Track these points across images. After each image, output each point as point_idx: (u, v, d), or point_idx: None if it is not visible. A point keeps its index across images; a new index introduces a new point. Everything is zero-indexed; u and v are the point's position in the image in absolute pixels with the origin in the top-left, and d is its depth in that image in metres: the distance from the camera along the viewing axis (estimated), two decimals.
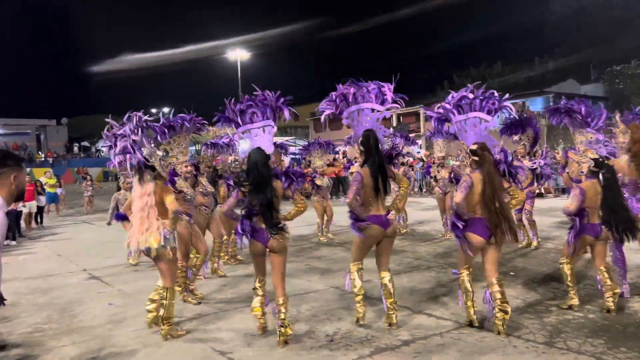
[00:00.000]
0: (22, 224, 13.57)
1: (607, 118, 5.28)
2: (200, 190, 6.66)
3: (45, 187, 16.01)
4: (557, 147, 23.37)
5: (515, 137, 8.29)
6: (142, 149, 4.77)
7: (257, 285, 4.63)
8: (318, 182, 9.82)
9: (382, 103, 4.80)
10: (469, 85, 4.93)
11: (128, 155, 4.71)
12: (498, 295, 4.42)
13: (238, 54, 36.95)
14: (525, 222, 8.35)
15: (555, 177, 19.32)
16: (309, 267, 7.53)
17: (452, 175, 9.01)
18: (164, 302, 4.70)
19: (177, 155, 5.99)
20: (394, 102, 4.80)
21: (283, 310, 4.37)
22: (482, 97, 4.76)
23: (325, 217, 9.98)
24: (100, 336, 4.85)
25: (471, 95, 4.76)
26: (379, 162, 4.68)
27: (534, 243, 8.26)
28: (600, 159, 4.97)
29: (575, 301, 5.02)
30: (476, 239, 4.50)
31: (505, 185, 4.62)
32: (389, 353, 4.12)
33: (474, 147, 4.61)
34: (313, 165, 10.16)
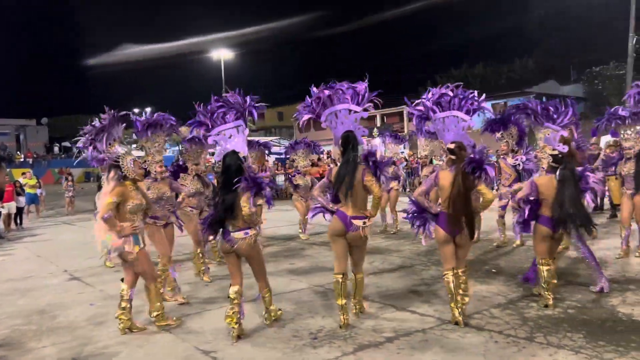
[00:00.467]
0: (1, 225, 13.35)
1: (572, 115, 5.31)
2: (187, 190, 6.61)
3: (25, 187, 15.74)
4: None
5: (498, 135, 8.34)
6: (110, 147, 4.77)
7: (231, 294, 4.51)
8: (299, 181, 9.82)
9: (359, 103, 4.83)
10: (449, 84, 5.02)
11: (91, 151, 4.76)
12: (462, 284, 4.76)
13: (222, 53, 36.78)
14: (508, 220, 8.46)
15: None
16: (292, 266, 7.53)
17: None
18: (150, 296, 4.82)
19: (153, 154, 5.92)
20: (371, 101, 4.83)
21: (267, 296, 4.77)
22: (461, 97, 4.88)
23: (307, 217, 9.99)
24: (81, 337, 4.79)
25: (451, 93, 4.87)
26: (352, 161, 4.67)
27: (517, 241, 8.33)
28: (560, 155, 5.05)
29: (550, 301, 5.01)
30: (440, 232, 4.70)
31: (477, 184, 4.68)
32: (372, 350, 4.14)
33: (452, 145, 4.73)
34: (296, 164, 10.15)
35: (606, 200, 11.96)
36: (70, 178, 19.52)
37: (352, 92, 4.81)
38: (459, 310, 4.62)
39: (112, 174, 4.70)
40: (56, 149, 52.96)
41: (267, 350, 4.24)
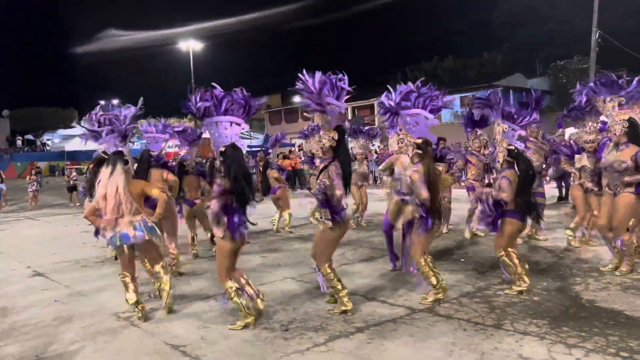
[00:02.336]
0: None
1: (533, 121, 5.48)
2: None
3: None
4: None
5: (479, 132, 8.35)
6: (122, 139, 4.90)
7: (231, 286, 4.53)
8: (274, 174, 9.76)
9: (337, 98, 4.66)
10: (418, 82, 5.17)
11: (115, 140, 4.96)
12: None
13: (190, 44, 36.17)
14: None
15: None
16: (264, 259, 7.50)
17: None
18: (162, 280, 4.98)
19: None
20: (348, 92, 4.69)
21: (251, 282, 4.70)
22: (427, 96, 5.08)
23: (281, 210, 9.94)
24: (46, 334, 4.66)
25: (416, 92, 5.05)
26: (348, 159, 4.73)
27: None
28: (515, 150, 5.15)
29: (524, 286, 5.14)
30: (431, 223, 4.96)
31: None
32: (343, 340, 4.16)
33: (419, 141, 4.99)
34: (272, 159, 10.12)
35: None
36: (33, 172, 18.96)
37: (238, 105, 4.54)
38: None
39: (119, 166, 4.79)
40: (19, 142, 51.38)
41: (238, 342, 4.21)
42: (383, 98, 5.30)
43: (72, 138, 40.09)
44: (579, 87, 6.71)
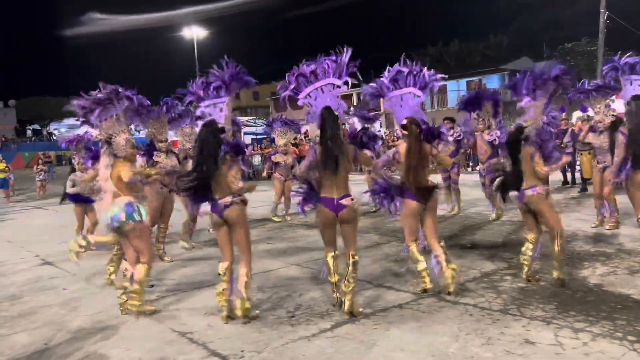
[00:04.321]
0: None
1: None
2: (160, 168, 6.52)
3: None
4: (510, 123, 23.95)
5: (474, 115, 8.35)
6: (105, 122, 4.73)
7: (220, 271, 4.41)
8: (279, 158, 9.70)
9: (339, 77, 4.59)
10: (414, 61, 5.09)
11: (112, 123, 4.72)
12: (442, 257, 4.74)
13: (194, 31, 35.99)
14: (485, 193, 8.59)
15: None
16: (270, 246, 7.51)
17: None
18: (140, 278, 4.63)
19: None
20: (351, 75, 4.57)
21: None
22: (415, 73, 4.97)
23: (283, 198, 9.86)
24: (54, 322, 4.70)
25: (405, 70, 4.94)
26: (333, 139, 4.39)
27: (493, 215, 8.46)
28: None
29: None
30: (411, 204, 4.82)
31: (435, 152, 4.92)
32: (349, 326, 4.16)
33: (404, 122, 4.86)
34: (276, 144, 10.02)
35: (577, 175, 12.21)
36: (40, 161, 19.05)
37: (335, 66, 4.53)
38: (450, 279, 4.70)
39: (104, 149, 4.69)
40: (29, 132, 51.59)
41: (244, 329, 4.22)
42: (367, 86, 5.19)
43: (79, 127, 40.14)
44: (608, 66, 6.52)
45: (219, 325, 4.34)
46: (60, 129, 53.94)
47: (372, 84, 5.16)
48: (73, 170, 8.25)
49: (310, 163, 4.51)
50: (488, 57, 41.84)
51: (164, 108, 6.66)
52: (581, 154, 11.63)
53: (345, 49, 4.51)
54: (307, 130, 23.27)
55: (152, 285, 5.67)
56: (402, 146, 4.88)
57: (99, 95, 4.71)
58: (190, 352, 3.85)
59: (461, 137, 8.46)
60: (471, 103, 8.30)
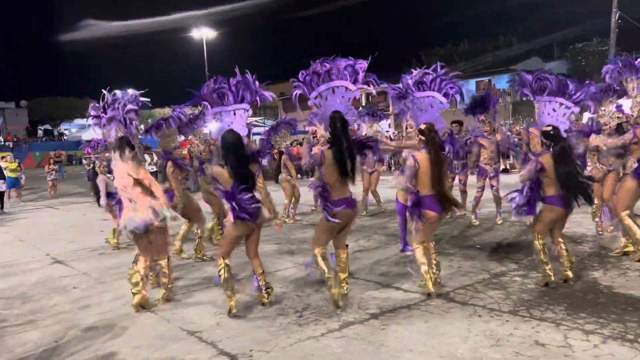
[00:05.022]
0: None
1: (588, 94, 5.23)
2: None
3: (5, 171, 15.45)
4: (522, 123, 23.80)
5: (481, 117, 8.34)
6: (131, 126, 4.82)
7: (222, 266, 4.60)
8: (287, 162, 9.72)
9: (354, 82, 4.55)
10: (437, 63, 5.03)
11: (116, 126, 4.75)
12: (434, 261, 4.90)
13: (204, 32, 36.12)
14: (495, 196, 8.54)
15: (517, 153, 19.72)
16: (278, 246, 7.52)
17: None
18: (165, 271, 4.96)
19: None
20: (365, 83, 4.59)
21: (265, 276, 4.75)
22: (443, 78, 4.91)
23: (293, 199, 9.89)
24: (65, 320, 4.75)
25: (433, 74, 4.89)
26: (348, 145, 4.45)
27: (499, 219, 8.39)
28: (552, 132, 4.90)
29: (550, 277, 4.89)
30: (432, 214, 4.75)
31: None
32: (357, 326, 4.16)
33: (423, 127, 4.80)
34: (278, 146, 10.03)
35: None
36: (52, 161, 19.21)
37: (351, 70, 4.52)
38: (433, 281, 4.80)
39: (128, 153, 4.69)
40: (40, 132, 52.05)
41: (253, 328, 4.24)
42: (390, 88, 5.16)
43: (89, 127, 40.50)
44: (610, 66, 6.49)
45: (228, 324, 4.36)
46: (71, 129, 54.46)
47: (396, 85, 5.11)
48: (96, 174, 8.29)
49: (314, 163, 4.52)
50: (497, 58, 41.58)
51: (171, 122, 6.67)
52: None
53: (368, 59, 4.54)
54: (315, 131, 23.27)
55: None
56: (421, 155, 4.74)
57: (105, 103, 4.81)
58: (198, 351, 3.87)
59: (470, 140, 8.43)
60: (478, 106, 8.29)
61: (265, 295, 4.73)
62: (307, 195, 10.11)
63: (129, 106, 4.81)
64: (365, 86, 4.63)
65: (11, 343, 4.28)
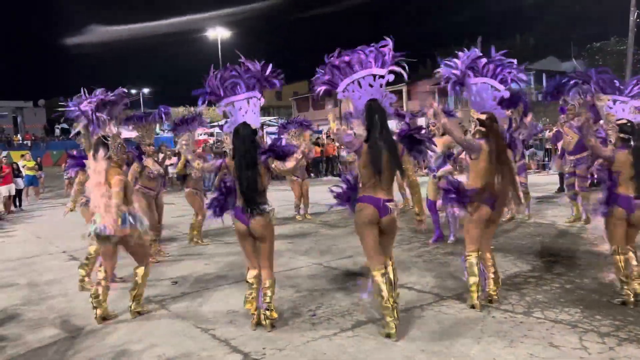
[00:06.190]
0: (1, 207, 13.36)
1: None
2: (147, 172, 6.83)
3: (23, 170, 15.72)
4: (539, 122, 23.56)
5: (508, 112, 8.16)
6: (102, 124, 4.68)
7: (249, 279, 4.22)
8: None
9: (383, 66, 4.00)
10: (492, 47, 4.53)
11: (86, 126, 4.74)
12: (491, 267, 4.57)
13: (218, 32, 36.31)
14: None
15: (534, 152, 19.48)
16: (291, 245, 7.55)
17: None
18: (138, 280, 4.71)
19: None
20: (397, 64, 4.02)
21: (269, 293, 4.15)
22: (498, 63, 4.40)
23: (303, 197, 9.91)
24: (80, 316, 4.81)
25: (484, 59, 4.37)
26: (386, 137, 3.91)
27: (527, 215, 8.43)
28: (629, 124, 4.39)
29: (629, 297, 4.32)
30: (483, 210, 4.35)
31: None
32: (370, 326, 4.16)
33: (483, 117, 4.38)
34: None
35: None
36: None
37: (375, 54, 3.99)
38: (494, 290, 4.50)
39: (101, 152, 4.52)
40: (58, 130, 52.71)
41: (265, 327, 4.25)
42: (443, 68, 4.46)
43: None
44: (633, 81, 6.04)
45: (241, 322, 4.38)
46: None
47: (451, 65, 4.42)
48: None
49: (351, 151, 4.14)
50: (513, 57, 41.19)
51: (156, 115, 6.78)
52: None
53: (387, 39, 4.00)
54: (328, 129, 23.27)
55: (176, 282, 5.77)
56: (481, 144, 4.33)
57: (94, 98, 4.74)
58: (213, 349, 3.91)
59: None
60: (511, 102, 8.08)
61: (263, 317, 4.19)
62: (318, 194, 10.15)
63: (113, 102, 4.73)
64: (396, 67, 4.03)
65: (29, 338, 4.36)
